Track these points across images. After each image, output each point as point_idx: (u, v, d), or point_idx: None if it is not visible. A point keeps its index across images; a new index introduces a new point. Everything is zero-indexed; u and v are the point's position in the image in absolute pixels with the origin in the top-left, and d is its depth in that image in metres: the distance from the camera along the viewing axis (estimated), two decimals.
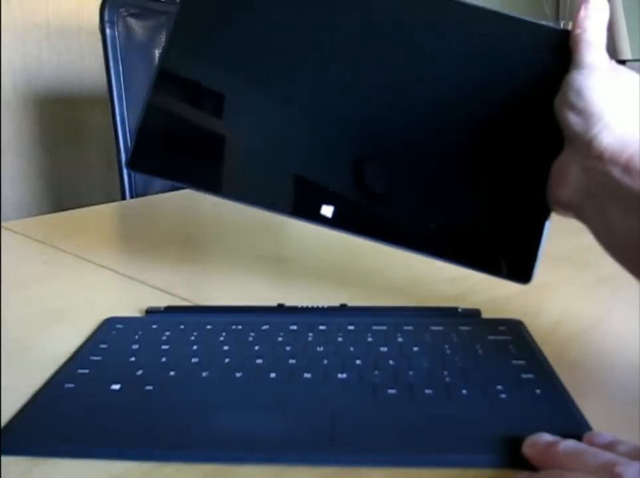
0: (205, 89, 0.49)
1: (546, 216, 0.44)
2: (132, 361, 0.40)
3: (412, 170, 0.46)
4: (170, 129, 0.50)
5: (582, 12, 0.42)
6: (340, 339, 0.42)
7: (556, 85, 0.42)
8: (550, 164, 0.42)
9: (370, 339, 0.42)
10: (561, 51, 0.43)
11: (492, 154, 0.45)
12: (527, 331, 0.44)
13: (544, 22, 0.45)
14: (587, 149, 0.39)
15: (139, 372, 0.39)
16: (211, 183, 0.48)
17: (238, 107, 0.49)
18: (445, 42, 0.46)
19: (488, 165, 0.46)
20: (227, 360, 0.40)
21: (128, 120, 1.18)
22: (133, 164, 0.49)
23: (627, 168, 0.37)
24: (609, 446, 0.30)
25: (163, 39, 1.24)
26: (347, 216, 0.46)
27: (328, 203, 0.46)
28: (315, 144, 0.47)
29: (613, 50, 1.52)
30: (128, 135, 1.19)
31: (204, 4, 0.50)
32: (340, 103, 0.47)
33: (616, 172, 0.37)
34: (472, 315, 0.47)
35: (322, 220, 0.46)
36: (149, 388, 0.37)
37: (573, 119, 0.40)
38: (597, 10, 0.42)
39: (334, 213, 0.46)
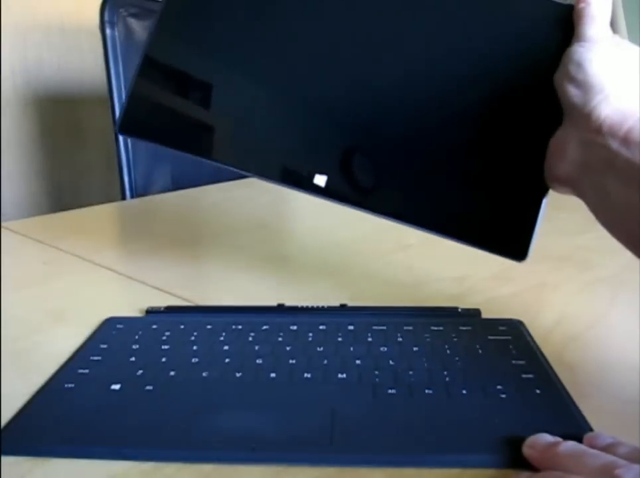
0: (200, 56, 0.48)
1: (543, 193, 0.43)
2: (132, 361, 0.40)
3: (409, 143, 0.45)
4: (162, 93, 0.49)
5: None
6: (340, 339, 0.42)
7: (557, 61, 0.41)
8: (548, 140, 0.42)
9: (370, 339, 0.42)
10: (564, 26, 0.43)
11: (491, 129, 0.45)
12: (527, 331, 0.44)
13: None
14: (586, 121, 0.38)
15: (139, 372, 0.39)
16: (203, 148, 0.48)
17: (233, 74, 0.48)
18: (447, 17, 0.45)
19: (486, 140, 0.45)
20: (227, 360, 0.40)
21: None
22: (124, 128, 0.49)
23: (625, 140, 0.36)
24: (609, 448, 0.30)
25: None
26: (340, 185, 0.45)
27: (321, 172, 0.45)
28: (310, 113, 0.47)
29: None
30: None
31: None
32: (334, 77, 0.46)
33: (615, 145, 0.36)
34: (472, 315, 0.47)
35: (316, 189, 0.45)
36: (149, 388, 0.37)
37: (572, 91, 0.39)
38: None
39: (328, 182, 0.45)
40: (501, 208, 0.44)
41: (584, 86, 0.39)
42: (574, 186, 0.40)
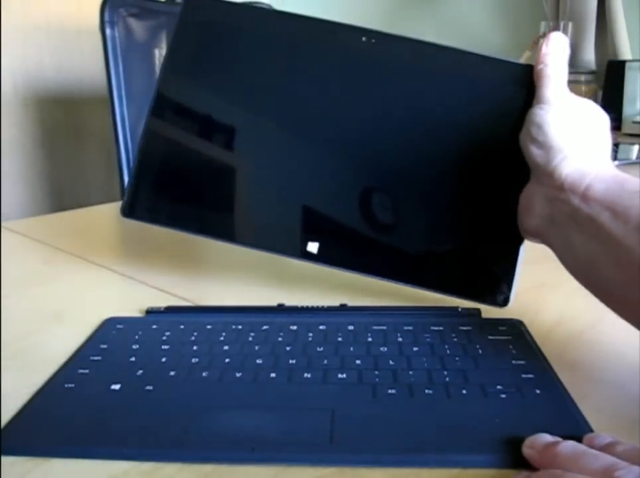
0: (202, 127, 0.51)
1: (520, 242, 0.46)
2: (132, 361, 0.40)
3: (394, 205, 0.49)
4: (164, 174, 0.51)
5: (544, 49, 0.45)
6: (340, 339, 0.42)
7: (524, 118, 0.44)
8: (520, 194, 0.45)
9: (369, 339, 0.42)
10: (528, 84, 0.46)
11: (469, 186, 0.48)
12: (527, 331, 0.44)
13: (510, 59, 0.48)
14: (550, 179, 0.41)
15: (139, 372, 0.39)
16: (200, 227, 0.51)
17: (226, 148, 0.51)
18: (423, 84, 0.49)
19: (465, 196, 0.48)
20: (227, 360, 0.40)
21: (128, 120, 1.18)
22: (128, 212, 0.50)
23: (585, 197, 0.38)
24: (608, 447, 0.30)
25: (164, 39, 1.25)
26: (330, 251, 0.49)
27: (313, 240, 0.48)
28: (294, 182, 0.49)
29: (613, 50, 1.52)
30: (128, 135, 1.19)
31: (199, 39, 0.51)
32: (324, 142, 0.49)
33: (576, 201, 0.39)
34: (472, 315, 0.47)
35: (309, 256, 0.48)
36: (149, 388, 0.37)
37: (535, 151, 0.42)
38: (558, 46, 0.45)
39: (320, 249, 0.48)
40: (483, 260, 0.48)
41: (545, 147, 0.42)
42: (543, 238, 0.43)
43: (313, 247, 0.48)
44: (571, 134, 0.41)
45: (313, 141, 0.49)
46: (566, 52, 0.45)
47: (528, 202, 0.44)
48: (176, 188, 0.51)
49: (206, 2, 0.52)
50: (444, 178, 0.48)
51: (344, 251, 0.49)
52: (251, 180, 0.50)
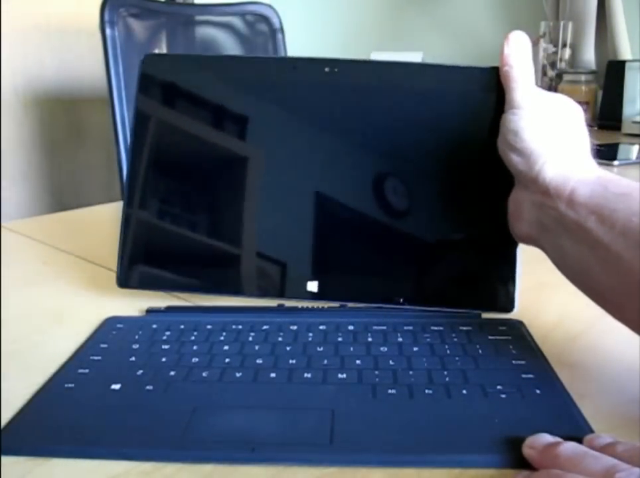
0: (179, 196, 0.51)
1: (515, 246, 0.46)
2: (132, 361, 0.40)
3: (389, 231, 0.48)
4: (153, 239, 0.51)
5: (506, 49, 0.44)
6: (340, 339, 0.42)
7: (498, 122, 0.44)
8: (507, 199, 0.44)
9: (370, 339, 0.42)
10: (497, 87, 0.45)
11: (460, 198, 0.48)
12: (527, 331, 0.44)
13: (474, 65, 0.47)
14: (534, 184, 0.40)
15: (139, 372, 0.39)
16: (201, 287, 0.50)
17: (210, 208, 0.51)
18: (393, 104, 0.49)
19: (459, 209, 0.48)
20: (227, 360, 0.40)
21: (128, 120, 1.18)
22: (124, 283, 0.50)
23: (570, 202, 0.38)
24: (609, 447, 0.29)
25: (164, 39, 1.25)
26: (330, 287, 0.48)
27: (312, 279, 0.48)
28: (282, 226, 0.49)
29: (613, 50, 1.52)
30: (128, 135, 1.19)
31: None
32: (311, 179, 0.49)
33: (562, 207, 0.38)
34: (472, 315, 0.47)
35: (309, 296, 0.48)
36: (149, 388, 0.37)
37: (515, 159, 0.41)
38: (519, 45, 0.44)
39: (319, 287, 0.48)
40: (482, 269, 0.48)
41: (525, 154, 0.41)
42: (535, 242, 0.43)
43: (312, 286, 0.47)
44: (548, 136, 0.41)
45: (289, 177, 0.49)
46: (529, 49, 0.44)
47: (517, 208, 0.43)
48: (169, 254, 0.51)
49: (164, 57, 0.52)
50: (435, 193, 0.48)
51: (346, 285, 0.49)
52: (244, 233, 0.50)
